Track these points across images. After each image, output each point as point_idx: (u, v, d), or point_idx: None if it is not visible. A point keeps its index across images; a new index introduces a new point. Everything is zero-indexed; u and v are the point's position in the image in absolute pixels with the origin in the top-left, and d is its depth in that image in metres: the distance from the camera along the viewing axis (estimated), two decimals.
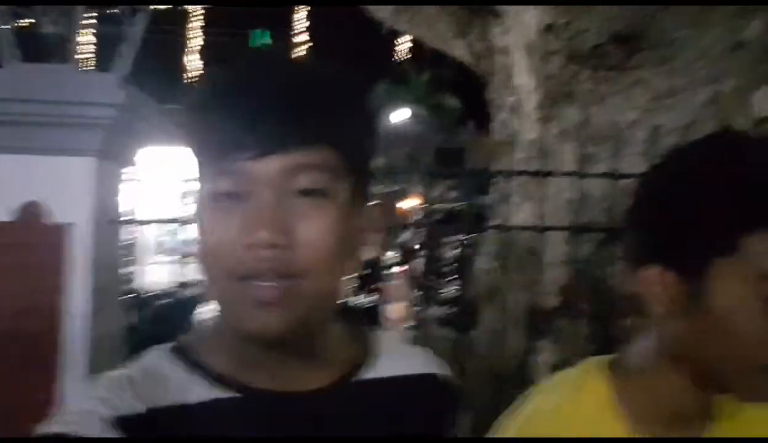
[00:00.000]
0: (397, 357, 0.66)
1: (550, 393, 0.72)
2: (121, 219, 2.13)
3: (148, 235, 7.02)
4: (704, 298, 0.59)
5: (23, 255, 1.86)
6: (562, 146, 2.72)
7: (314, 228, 0.53)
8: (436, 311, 6.86)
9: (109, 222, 2.03)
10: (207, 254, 0.55)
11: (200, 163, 0.56)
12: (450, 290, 7.50)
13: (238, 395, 0.56)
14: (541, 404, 0.71)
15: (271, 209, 0.51)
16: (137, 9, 1.95)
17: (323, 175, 0.53)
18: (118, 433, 0.50)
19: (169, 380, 0.56)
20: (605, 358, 0.72)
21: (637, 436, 0.66)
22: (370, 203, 0.60)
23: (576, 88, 2.60)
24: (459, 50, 4.14)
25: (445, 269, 7.63)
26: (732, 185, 0.57)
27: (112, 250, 2.09)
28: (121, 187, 2.17)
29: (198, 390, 0.56)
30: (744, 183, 0.57)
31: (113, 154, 1.95)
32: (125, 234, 2.12)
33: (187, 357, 0.58)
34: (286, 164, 0.52)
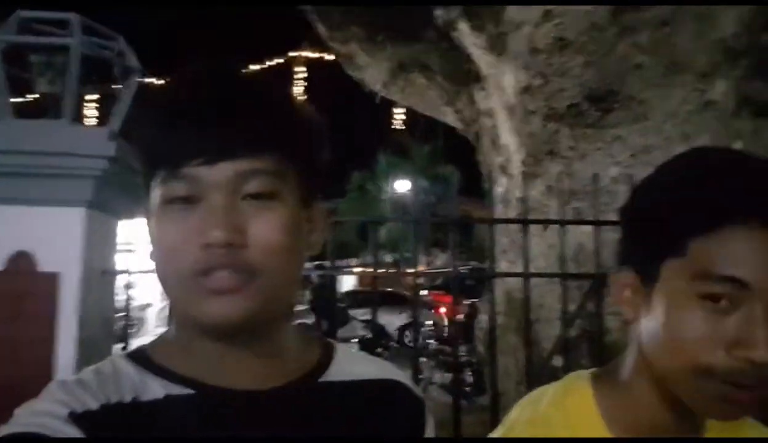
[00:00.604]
0: (358, 363, 0.67)
1: (536, 404, 0.71)
2: (115, 270, 2.15)
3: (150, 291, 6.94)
4: (655, 300, 0.61)
5: (11, 305, 1.88)
6: (549, 201, 2.78)
7: (265, 228, 0.55)
8: (441, 377, 6.71)
9: (102, 273, 2.06)
10: (163, 256, 0.57)
11: (151, 172, 0.58)
12: (456, 355, 7.36)
13: (191, 392, 0.57)
14: (526, 415, 0.70)
15: (224, 211, 0.54)
16: (130, 70, 2.07)
17: (271, 179, 0.56)
18: (73, 430, 0.51)
19: (122, 380, 0.57)
20: (589, 370, 0.72)
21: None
22: (316, 205, 0.63)
23: (557, 145, 2.69)
24: (449, 117, 4.31)
25: (449, 334, 7.53)
26: (681, 191, 0.60)
27: (104, 301, 2.10)
28: (115, 239, 2.21)
29: (152, 389, 0.56)
30: (692, 188, 0.59)
31: (104, 206, 2.00)
32: (126, 286, 2.14)
33: (141, 359, 0.59)
34: (235, 169, 0.55)
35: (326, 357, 0.65)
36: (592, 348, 2.36)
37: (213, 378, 0.58)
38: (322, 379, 0.63)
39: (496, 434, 0.71)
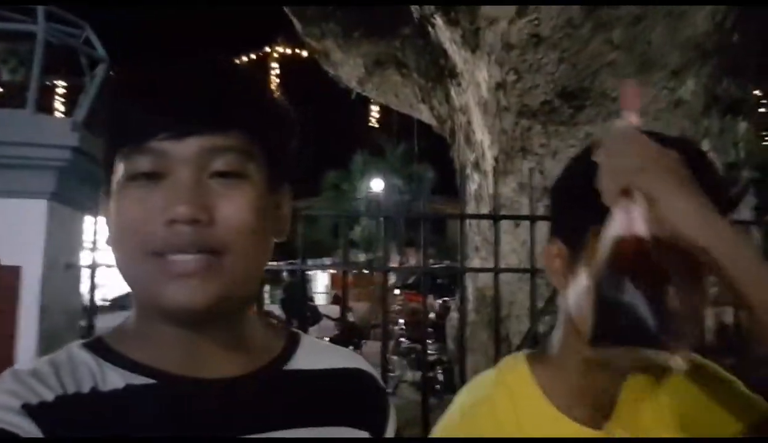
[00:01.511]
0: (323, 352, 0.66)
1: (478, 388, 0.74)
2: (80, 264, 2.08)
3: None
4: (581, 266, 0.64)
5: None
6: (520, 198, 2.80)
7: (232, 207, 0.54)
8: (413, 376, 6.76)
9: (66, 267, 2.00)
10: (123, 233, 0.55)
11: (114, 149, 0.56)
12: (428, 354, 7.40)
13: (152, 381, 0.55)
14: (471, 398, 0.72)
15: (190, 187, 0.53)
16: (97, 60, 2.01)
17: (239, 158, 0.55)
18: (27, 422, 0.49)
19: (79, 370, 0.55)
20: (523, 351, 0.76)
21: (558, 412, 0.69)
22: (283, 190, 0.62)
23: (529, 142, 2.71)
24: (424, 114, 4.32)
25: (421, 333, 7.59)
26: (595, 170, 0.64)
27: (68, 296, 2.04)
28: (80, 233, 2.14)
29: (111, 378, 0.55)
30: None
31: (68, 198, 1.94)
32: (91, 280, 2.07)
33: (99, 347, 0.57)
34: (203, 145, 0.54)
35: (291, 346, 0.64)
36: None
37: (175, 367, 0.56)
38: (287, 367, 0.62)
39: (442, 420, 0.72)
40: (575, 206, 0.66)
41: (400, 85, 4.31)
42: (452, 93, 3.29)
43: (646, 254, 0.55)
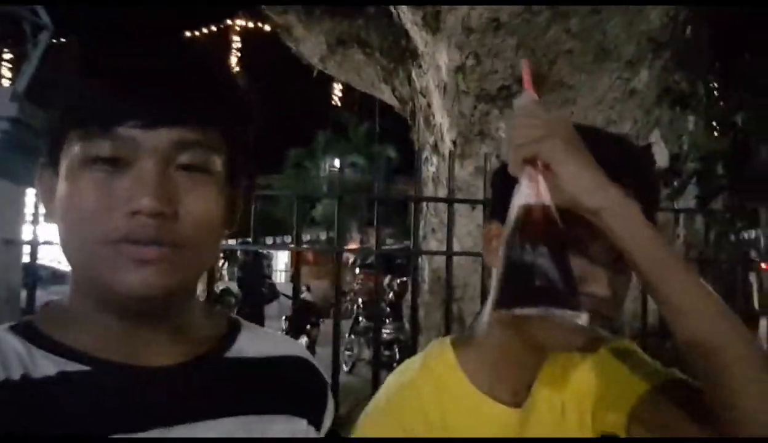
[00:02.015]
0: (263, 340, 0.66)
1: (404, 372, 0.76)
2: (21, 240, 2.00)
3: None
4: None
5: None
6: (478, 182, 2.82)
7: (197, 202, 0.54)
8: (369, 354, 6.83)
9: (5, 242, 1.92)
10: (78, 218, 0.53)
11: (73, 125, 0.54)
12: (386, 332, 7.49)
13: (87, 368, 0.54)
14: (397, 382, 0.75)
15: (157, 179, 0.52)
16: (40, 27, 1.91)
17: (206, 152, 0.55)
18: None
19: (8, 356, 0.53)
20: (450, 336, 0.79)
21: (481, 393, 0.71)
22: (241, 183, 0.62)
23: (487, 126, 2.73)
24: (386, 94, 4.29)
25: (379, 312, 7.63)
26: None
27: (8, 273, 1.96)
28: (21, 207, 2.06)
29: (42, 365, 0.53)
30: None
31: (7, 171, 1.86)
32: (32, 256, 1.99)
33: (28, 332, 0.55)
34: (173, 138, 0.53)
35: (231, 333, 0.64)
36: None
37: (111, 354, 0.55)
38: (227, 355, 0.61)
39: (369, 404, 0.74)
40: (511, 187, 0.67)
41: (362, 64, 4.26)
42: (413, 75, 3.28)
43: (548, 220, 0.57)
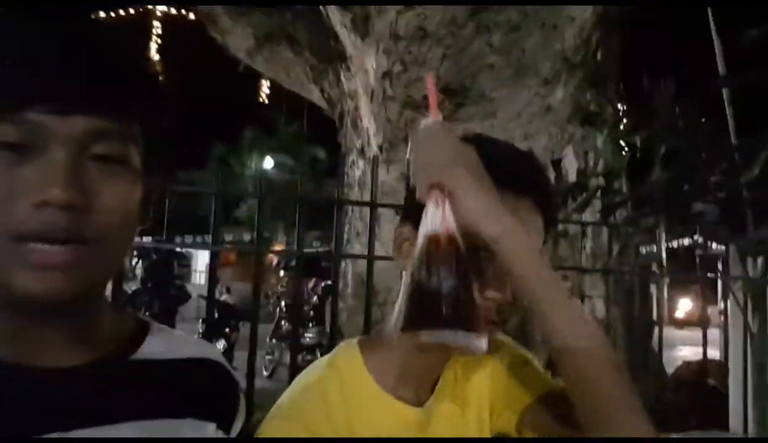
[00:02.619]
0: (173, 341, 0.65)
1: (312, 371, 0.77)
2: None
3: None
4: None
5: None
6: (402, 188, 2.86)
7: (110, 195, 0.51)
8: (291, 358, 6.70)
9: None
10: None
11: None
12: (309, 336, 7.41)
13: None
14: (302, 382, 0.75)
15: (68, 169, 0.49)
16: None
17: (122, 143, 0.52)
18: None
19: None
20: (358, 337, 0.80)
21: (386, 393, 0.73)
22: (156, 177, 0.60)
23: (412, 133, 2.77)
24: (314, 95, 4.26)
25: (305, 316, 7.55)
26: None
27: None
28: None
29: None
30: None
31: None
32: None
33: None
34: (88, 126, 0.50)
35: (140, 334, 0.62)
36: None
37: (8, 354, 0.52)
38: (133, 357, 0.60)
39: (276, 405, 0.74)
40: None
41: (291, 62, 4.21)
42: (342, 77, 3.29)
43: (453, 247, 0.60)
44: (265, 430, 0.69)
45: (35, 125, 0.48)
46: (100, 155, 0.51)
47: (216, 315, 6.66)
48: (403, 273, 0.72)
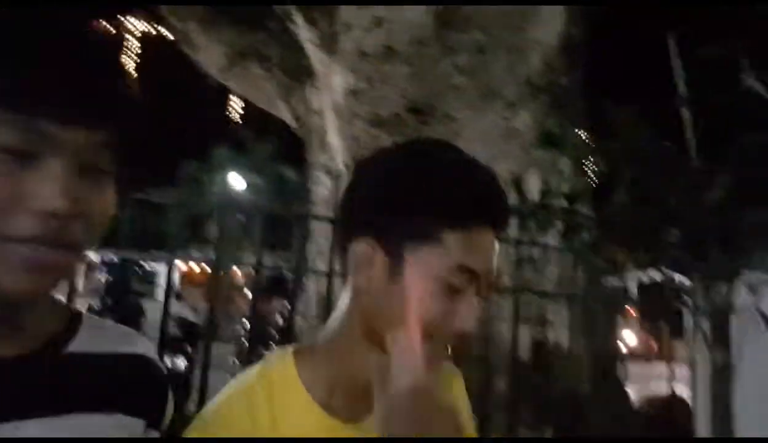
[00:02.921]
0: (105, 335, 0.65)
1: (239, 380, 0.74)
2: None
3: None
4: (400, 276, 0.66)
5: None
6: None
7: (99, 206, 0.54)
8: None
9: None
10: None
11: None
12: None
13: None
14: (232, 390, 0.73)
15: (68, 179, 0.51)
16: None
17: (110, 155, 0.55)
18: None
19: None
20: (293, 345, 0.77)
21: (316, 404, 0.70)
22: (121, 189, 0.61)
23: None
24: (284, 113, 4.25)
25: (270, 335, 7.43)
26: (433, 184, 0.68)
27: None
28: None
29: None
30: (444, 188, 0.68)
31: None
32: None
33: None
34: (89, 138, 0.52)
35: (72, 327, 0.62)
36: None
37: None
38: (65, 350, 0.60)
39: (203, 409, 0.72)
40: (407, 219, 0.68)
41: (262, 79, 4.20)
42: (308, 94, 3.28)
43: None
44: (188, 436, 0.66)
45: (39, 132, 0.50)
46: (93, 166, 0.54)
47: (179, 332, 6.48)
48: (360, 288, 0.69)
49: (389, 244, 0.68)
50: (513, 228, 2.10)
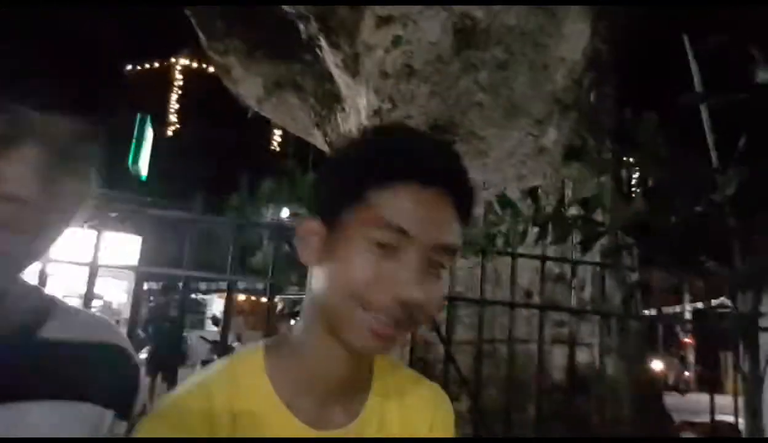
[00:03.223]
0: (80, 322, 0.64)
1: (205, 373, 0.71)
2: None
3: None
4: (337, 244, 0.66)
5: None
6: None
7: (70, 192, 0.53)
8: None
9: None
10: None
11: None
12: None
13: None
14: (192, 381, 0.70)
15: (40, 165, 0.49)
16: None
17: (90, 143, 0.54)
18: None
19: None
20: (265, 340, 0.74)
21: (280, 401, 0.68)
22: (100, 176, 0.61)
23: None
24: (318, 139, 4.33)
25: None
26: (365, 152, 0.70)
27: None
28: None
29: None
30: (373, 150, 0.69)
31: None
32: None
33: None
34: (70, 127, 0.51)
35: (44, 313, 0.61)
36: None
37: None
38: (35, 335, 0.59)
39: (168, 394, 0.70)
40: (337, 185, 0.69)
41: (297, 108, 4.31)
42: (338, 118, 3.33)
43: None
44: (138, 429, 0.64)
45: (17, 117, 0.49)
46: (71, 154, 0.52)
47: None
48: (310, 267, 0.69)
49: (325, 214, 0.68)
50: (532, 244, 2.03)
